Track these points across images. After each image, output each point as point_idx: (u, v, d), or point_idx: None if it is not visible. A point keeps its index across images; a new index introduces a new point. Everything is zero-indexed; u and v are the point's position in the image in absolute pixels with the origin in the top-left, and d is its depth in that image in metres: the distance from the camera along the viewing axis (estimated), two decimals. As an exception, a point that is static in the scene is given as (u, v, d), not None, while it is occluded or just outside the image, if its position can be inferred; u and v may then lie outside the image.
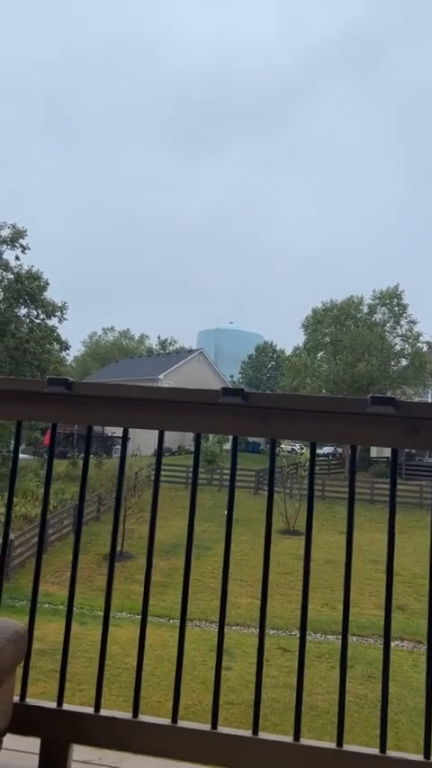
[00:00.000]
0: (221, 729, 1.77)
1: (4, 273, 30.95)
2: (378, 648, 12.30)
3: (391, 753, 1.67)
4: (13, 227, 30.74)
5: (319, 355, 41.19)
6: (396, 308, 39.39)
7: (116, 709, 1.86)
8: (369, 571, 15.54)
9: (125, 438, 2.01)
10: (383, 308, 39.75)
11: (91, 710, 1.85)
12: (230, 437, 2.81)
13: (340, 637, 1.84)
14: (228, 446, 32.52)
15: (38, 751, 1.84)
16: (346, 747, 1.69)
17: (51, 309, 31.67)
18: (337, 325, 39.59)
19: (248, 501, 22.28)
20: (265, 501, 1.88)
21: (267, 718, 8.20)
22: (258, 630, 1.87)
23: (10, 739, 1.78)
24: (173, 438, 37.57)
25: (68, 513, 20.85)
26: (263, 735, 1.74)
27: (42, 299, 31.33)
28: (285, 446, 30.60)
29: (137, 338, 75.15)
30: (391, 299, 39.42)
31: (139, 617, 1.93)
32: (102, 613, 1.97)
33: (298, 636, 1.82)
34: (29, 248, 31.15)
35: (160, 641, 10.82)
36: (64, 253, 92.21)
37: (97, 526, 21.44)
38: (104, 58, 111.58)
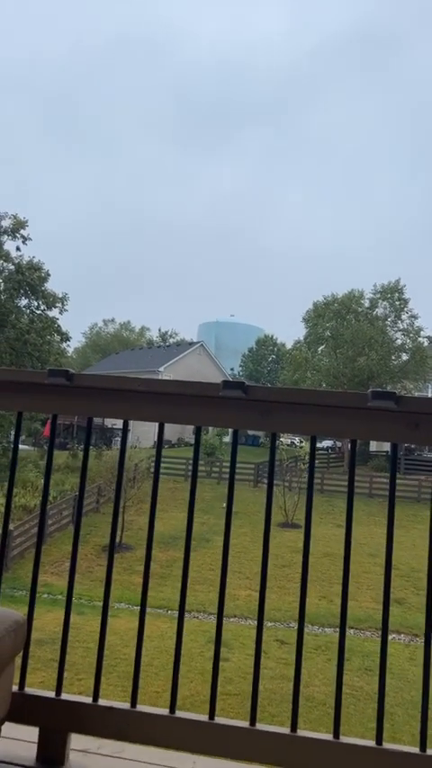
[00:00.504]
0: (219, 720, 1.78)
1: (5, 264, 30.84)
2: (374, 641, 12.36)
3: (387, 745, 1.68)
4: (14, 217, 30.58)
5: (319, 349, 41.12)
6: (397, 303, 39.28)
7: (114, 699, 1.87)
8: (367, 564, 15.61)
9: (125, 430, 2.00)
10: (384, 303, 39.64)
11: (89, 700, 1.86)
12: (230, 430, 2.81)
13: (337, 629, 1.84)
14: (227, 439, 32.53)
15: (36, 740, 1.85)
16: (343, 739, 1.71)
17: (52, 300, 31.55)
18: (338, 319, 39.50)
19: (248, 494, 22.34)
20: (264, 494, 1.88)
21: (265, 709, 8.27)
22: (257, 622, 1.87)
23: (8, 728, 1.79)
24: (173, 430, 37.57)
25: (68, 503, 20.88)
26: (260, 726, 1.75)
27: (43, 290, 31.22)
28: (285, 439, 30.62)
29: (137, 330, 74.96)
30: (393, 294, 39.31)
31: (138, 608, 1.93)
32: (101, 604, 1.98)
33: (295, 628, 1.83)
34: (30, 239, 31.06)
35: (158, 632, 10.88)
36: (66, 245, 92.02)
37: (97, 517, 21.49)
38: (114, 54, 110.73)
